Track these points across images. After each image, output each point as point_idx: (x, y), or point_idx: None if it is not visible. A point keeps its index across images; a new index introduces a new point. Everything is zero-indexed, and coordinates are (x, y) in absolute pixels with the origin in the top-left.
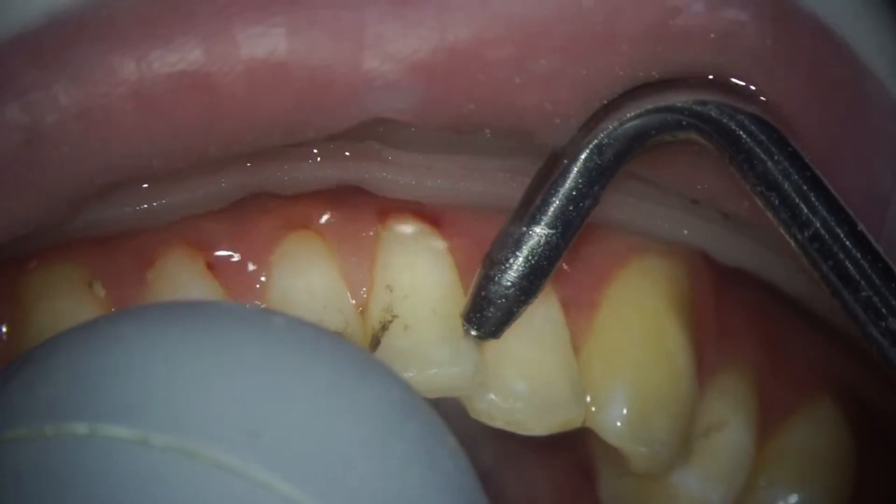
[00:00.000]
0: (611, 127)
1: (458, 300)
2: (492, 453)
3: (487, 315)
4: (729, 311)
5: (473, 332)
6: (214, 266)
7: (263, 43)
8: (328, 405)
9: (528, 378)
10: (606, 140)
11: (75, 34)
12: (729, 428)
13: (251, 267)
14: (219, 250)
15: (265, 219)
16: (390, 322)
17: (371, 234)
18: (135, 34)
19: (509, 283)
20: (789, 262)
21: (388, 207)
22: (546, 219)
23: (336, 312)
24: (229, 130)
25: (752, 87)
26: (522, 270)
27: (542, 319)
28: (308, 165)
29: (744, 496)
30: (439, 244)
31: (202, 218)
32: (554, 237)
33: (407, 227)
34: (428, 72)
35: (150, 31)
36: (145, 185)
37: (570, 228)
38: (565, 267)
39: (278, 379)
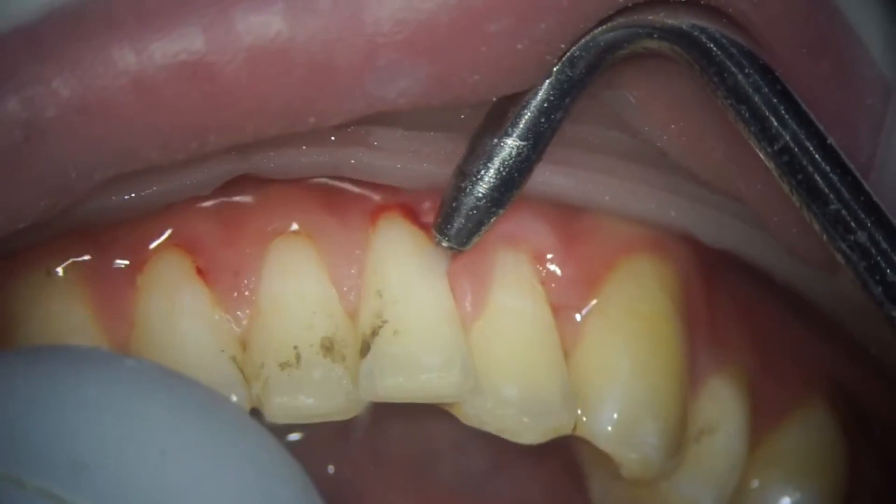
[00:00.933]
0: (582, 41)
1: (448, 306)
2: (483, 459)
3: (458, 226)
4: (721, 314)
5: (444, 244)
6: (204, 271)
7: (264, 30)
8: (162, 442)
9: (518, 384)
10: (577, 52)
11: (74, 27)
12: (721, 431)
13: (241, 271)
14: (209, 255)
15: (255, 223)
16: (380, 327)
17: (361, 237)
18: (134, 25)
19: (480, 195)
20: (775, 243)
21: (379, 209)
22: (518, 131)
23: (326, 317)
24: (231, 120)
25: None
26: (493, 182)
27: (532, 324)
28: (294, 151)
29: (736, 498)
30: (428, 248)
31: (192, 222)
32: (525, 149)
33: (397, 230)
34: (430, 49)
35: (149, 22)
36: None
37: (541, 140)
38: (556, 271)
39: (113, 416)
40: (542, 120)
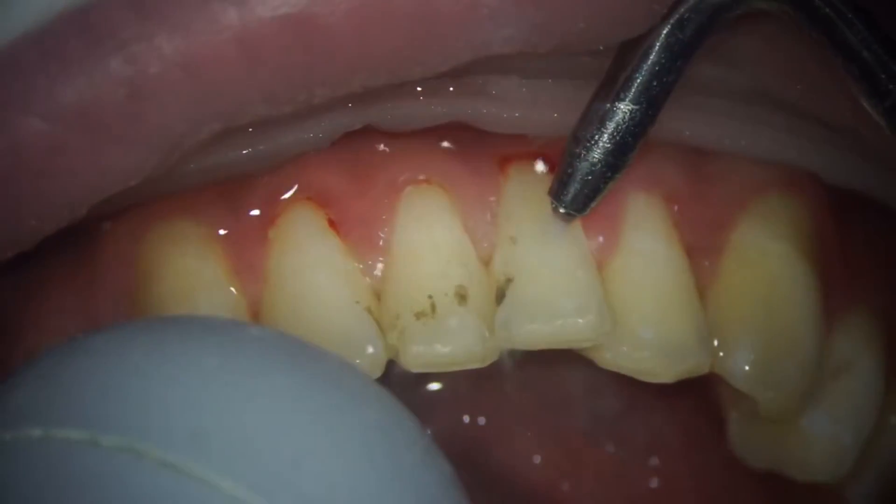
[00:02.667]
0: (691, 1)
1: (582, 250)
2: (617, 401)
3: (574, 191)
4: (854, 252)
5: (562, 210)
6: (336, 223)
7: None
8: (284, 410)
9: (654, 326)
10: (687, 14)
11: None
12: (858, 369)
13: (373, 223)
14: (341, 207)
15: (386, 174)
16: (515, 274)
17: (493, 185)
18: None
19: (595, 160)
20: None
21: (510, 156)
22: (630, 95)
23: (460, 266)
24: (335, 72)
25: None
26: (608, 146)
27: (666, 266)
28: (412, 103)
29: (874, 437)
30: None
31: (323, 174)
32: (638, 112)
33: (528, 177)
34: None
35: None
36: (250, 130)
37: (654, 104)
38: (688, 212)
39: (234, 385)
40: (654, 83)
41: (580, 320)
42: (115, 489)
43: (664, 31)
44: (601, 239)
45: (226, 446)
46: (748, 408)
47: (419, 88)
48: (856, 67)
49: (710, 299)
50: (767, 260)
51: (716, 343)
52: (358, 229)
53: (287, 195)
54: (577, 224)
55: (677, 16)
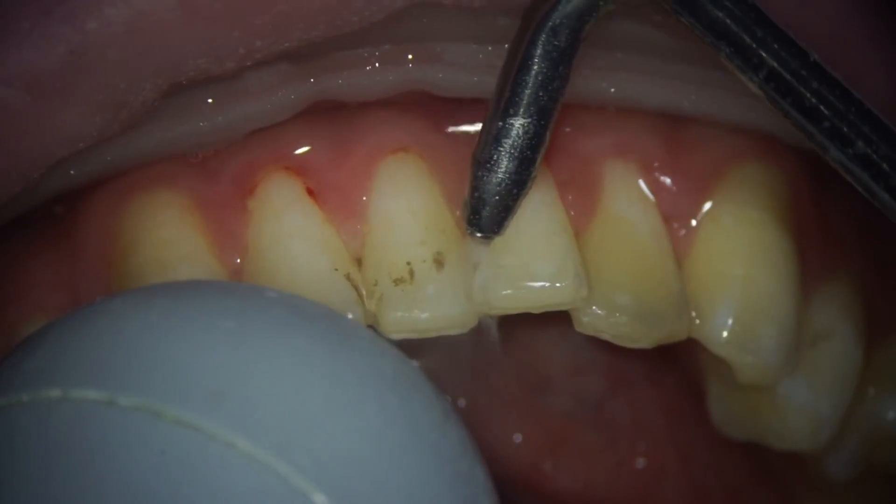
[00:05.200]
0: (559, 8)
1: (559, 216)
2: (600, 381)
3: (487, 215)
4: (833, 219)
5: (478, 234)
6: (315, 192)
7: None
8: (300, 371)
9: (632, 291)
10: (559, 20)
11: None
12: (836, 337)
13: (351, 191)
14: (319, 176)
15: (363, 143)
16: (492, 240)
17: (469, 153)
18: None
19: (500, 179)
20: None
21: None
22: (520, 109)
23: (438, 233)
24: (273, 22)
25: None
26: (508, 164)
27: (643, 232)
28: (371, 72)
29: (853, 407)
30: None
31: (301, 143)
32: (531, 126)
33: None
34: None
35: None
36: (210, 101)
37: (545, 114)
38: (665, 179)
39: (251, 346)
40: (541, 94)
41: (557, 284)
42: (132, 448)
43: (539, 41)
44: (579, 205)
45: (242, 406)
46: (727, 377)
47: (377, 54)
48: (726, 44)
49: (687, 265)
50: (744, 227)
51: (694, 309)
52: (336, 197)
53: (266, 166)
54: (554, 191)
55: (549, 23)
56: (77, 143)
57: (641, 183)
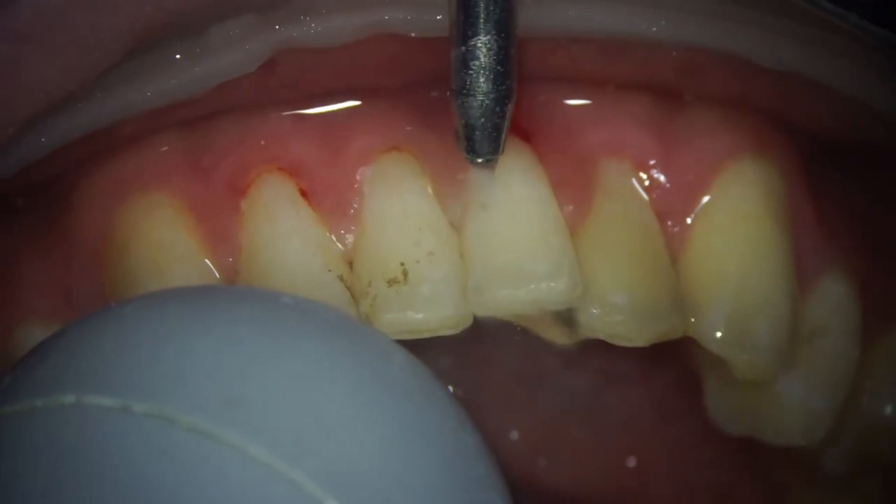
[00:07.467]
0: None
1: (553, 215)
2: (593, 376)
3: (479, 138)
4: (829, 214)
5: (479, 160)
6: (308, 193)
7: None
8: (315, 378)
9: (626, 290)
10: None
11: None
12: (833, 333)
13: (344, 191)
14: (312, 176)
15: (356, 143)
16: (486, 240)
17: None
18: None
19: (479, 101)
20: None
21: None
22: (478, 29)
23: (432, 233)
24: None
25: None
26: (484, 84)
27: (638, 230)
28: (336, 16)
29: (849, 403)
30: (530, 160)
31: (293, 144)
32: (493, 41)
33: None
34: None
35: None
36: (178, 56)
37: (503, 26)
38: (659, 177)
39: (265, 352)
40: (492, 7)
41: (552, 284)
42: (146, 455)
43: None
44: (573, 204)
45: (256, 413)
46: (724, 373)
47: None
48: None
49: (683, 263)
50: (739, 224)
51: (689, 307)
52: (329, 198)
53: (258, 166)
54: (548, 190)
55: None
56: (40, 97)
57: (635, 181)
